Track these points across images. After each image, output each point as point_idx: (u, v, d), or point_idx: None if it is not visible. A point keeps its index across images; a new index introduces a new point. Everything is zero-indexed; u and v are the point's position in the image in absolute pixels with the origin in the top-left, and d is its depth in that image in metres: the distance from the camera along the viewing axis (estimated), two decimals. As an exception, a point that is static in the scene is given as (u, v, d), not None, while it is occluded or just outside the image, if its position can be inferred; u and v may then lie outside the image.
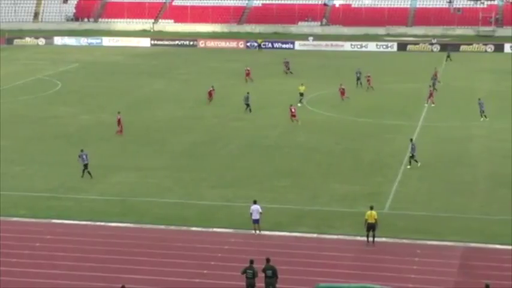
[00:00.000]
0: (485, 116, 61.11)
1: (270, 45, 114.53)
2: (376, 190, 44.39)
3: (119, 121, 57.69)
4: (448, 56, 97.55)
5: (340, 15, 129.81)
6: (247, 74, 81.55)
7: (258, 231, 37.63)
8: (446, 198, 42.97)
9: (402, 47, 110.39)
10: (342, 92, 69.90)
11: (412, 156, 48.75)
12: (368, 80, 76.10)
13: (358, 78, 77.59)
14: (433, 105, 67.04)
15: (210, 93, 69.46)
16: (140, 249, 35.59)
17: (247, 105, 65.51)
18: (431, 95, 68.15)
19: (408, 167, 48.57)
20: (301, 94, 69.45)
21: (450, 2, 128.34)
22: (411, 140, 49.70)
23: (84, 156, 47.11)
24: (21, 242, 36.36)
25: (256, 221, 37.45)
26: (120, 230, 38.30)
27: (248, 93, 66.83)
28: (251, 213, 37.44)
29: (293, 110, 61.43)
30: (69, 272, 33.01)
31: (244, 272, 30.43)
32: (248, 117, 63.67)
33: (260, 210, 37.38)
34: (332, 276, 32.34)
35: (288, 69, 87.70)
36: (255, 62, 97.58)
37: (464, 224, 38.88)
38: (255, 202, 37.66)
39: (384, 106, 68.15)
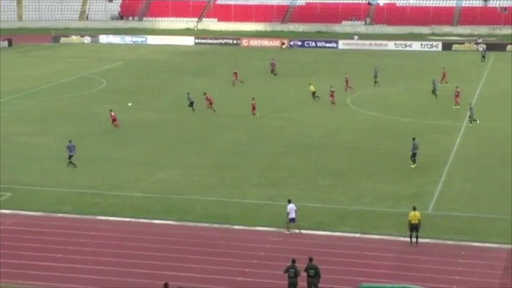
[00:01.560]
0: (475, 120, 59.79)
1: (313, 44, 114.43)
2: (420, 190, 44.06)
3: (114, 119, 59.33)
4: (483, 57, 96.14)
5: (384, 14, 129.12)
6: (273, 70, 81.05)
7: (296, 230, 37.57)
8: (491, 199, 42.46)
9: (447, 46, 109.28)
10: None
11: (413, 155, 48.61)
12: (346, 81, 75.58)
13: (375, 77, 78.21)
14: (458, 107, 66.14)
15: (253, 107, 64.73)
16: (183, 246, 35.77)
17: (191, 103, 65.60)
18: (457, 95, 66.94)
19: (412, 166, 48.42)
20: (313, 93, 70.29)
21: (486, 1, 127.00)
22: (413, 139, 49.25)
23: (72, 147, 48.80)
24: (66, 238, 36.80)
25: (292, 220, 37.46)
26: (163, 228, 38.51)
27: (189, 93, 66.90)
28: (288, 213, 37.41)
29: (210, 98, 65.19)
30: (113, 268, 33.32)
31: (287, 271, 30.41)
32: (292, 116, 63.64)
33: (295, 209, 37.43)
34: (374, 277, 32.21)
35: (273, 70, 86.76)
36: (297, 61, 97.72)
37: (509, 225, 38.32)
38: (289, 201, 37.68)
39: (429, 106, 67.56)
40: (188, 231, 38.04)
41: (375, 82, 77.98)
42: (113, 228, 38.41)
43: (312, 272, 30.30)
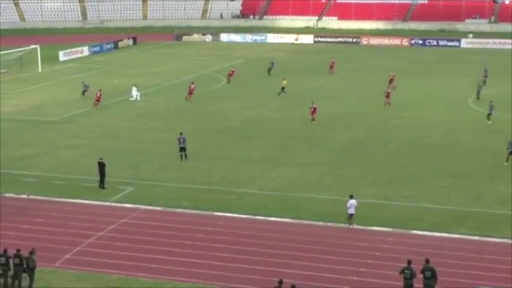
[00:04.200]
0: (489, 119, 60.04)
1: (434, 42, 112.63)
2: (543, 194, 42.68)
3: (97, 97, 66.66)
4: None
5: (510, 12, 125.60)
6: (230, 75, 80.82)
7: (353, 225, 37.72)
8: None
9: None
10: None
11: (510, 154, 47.81)
12: (391, 79, 74.57)
13: (485, 76, 76.52)
14: None
15: (313, 111, 60.93)
16: (298, 244, 35.88)
17: (84, 92, 72.02)
18: None
19: (505, 163, 47.71)
20: (283, 88, 72.20)
21: None
22: None
23: (182, 140, 50.01)
24: (184, 233, 37.50)
25: (351, 216, 37.56)
26: (278, 225, 38.72)
27: (83, 81, 74.17)
28: (348, 208, 37.54)
29: (192, 87, 70.48)
30: (228, 264, 33.71)
31: (402, 272, 30.07)
32: (411, 115, 62.84)
33: (356, 205, 37.57)
34: (491, 280, 31.46)
35: (269, 70, 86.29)
36: (418, 60, 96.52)
37: None
38: (351, 197, 37.83)
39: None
40: (303, 229, 38.14)
41: (484, 82, 76.08)
42: (229, 224, 38.90)
43: (428, 273, 29.87)
